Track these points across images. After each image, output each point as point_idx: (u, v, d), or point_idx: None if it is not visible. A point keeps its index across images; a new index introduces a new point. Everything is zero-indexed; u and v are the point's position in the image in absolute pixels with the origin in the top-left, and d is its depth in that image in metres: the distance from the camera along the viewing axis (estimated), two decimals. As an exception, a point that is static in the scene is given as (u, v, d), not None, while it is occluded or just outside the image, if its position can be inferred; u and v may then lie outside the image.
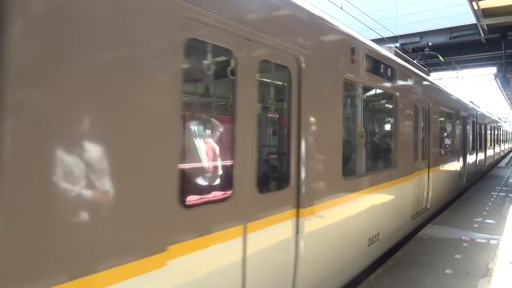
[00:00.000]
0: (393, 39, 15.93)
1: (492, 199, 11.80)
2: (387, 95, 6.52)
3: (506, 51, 14.63)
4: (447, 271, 5.53)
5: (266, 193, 3.38)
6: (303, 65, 3.73)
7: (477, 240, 7.20)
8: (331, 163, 4.28)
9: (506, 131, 38.66)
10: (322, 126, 4.08)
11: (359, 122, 5.66)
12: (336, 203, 4.30)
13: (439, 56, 14.25)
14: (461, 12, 15.35)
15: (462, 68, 21.89)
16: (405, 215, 7.02)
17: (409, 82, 7.27)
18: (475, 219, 8.93)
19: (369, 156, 6.19)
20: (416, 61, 10.85)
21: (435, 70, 20.02)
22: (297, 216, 3.65)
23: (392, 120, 6.66)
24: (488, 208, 10.40)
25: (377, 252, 5.79)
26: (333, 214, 4.27)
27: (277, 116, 4.42)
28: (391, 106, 6.60)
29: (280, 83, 3.94)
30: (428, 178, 8.39)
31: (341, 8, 11.85)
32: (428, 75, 10.15)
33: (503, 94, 30.31)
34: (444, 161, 10.09)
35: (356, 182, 5.03)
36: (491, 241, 7.08)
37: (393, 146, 6.50)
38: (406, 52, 16.10)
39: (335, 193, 4.32)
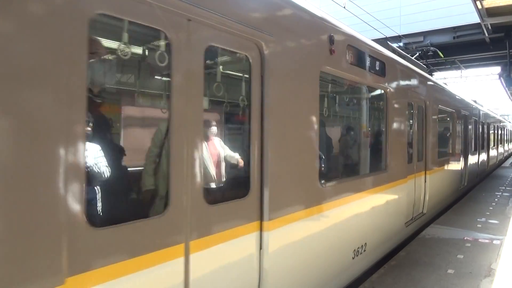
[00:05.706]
0: (397, 38, 15.88)
1: (496, 199, 11.75)
2: None
3: (510, 51, 14.56)
4: (450, 271, 5.52)
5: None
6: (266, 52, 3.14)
7: (480, 240, 7.18)
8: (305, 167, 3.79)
9: (510, 131, 38.44)
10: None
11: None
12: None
13: (438, 52, 13.97)
14: (465, 12, 15.29)
15: (466, 67, 21.80)
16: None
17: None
18: (478, 219, 8.90)
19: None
20: (415, 58, 11.02)
21: (439, 70, 19.94)
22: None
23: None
24: (491, 208, 10.36)
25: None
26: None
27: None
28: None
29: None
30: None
31: (344, 7, 11.82)
32: (432, 74, 10.48)
33: (508, 94, 30.12)
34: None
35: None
36: (494, 242, 7.06)
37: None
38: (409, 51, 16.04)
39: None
